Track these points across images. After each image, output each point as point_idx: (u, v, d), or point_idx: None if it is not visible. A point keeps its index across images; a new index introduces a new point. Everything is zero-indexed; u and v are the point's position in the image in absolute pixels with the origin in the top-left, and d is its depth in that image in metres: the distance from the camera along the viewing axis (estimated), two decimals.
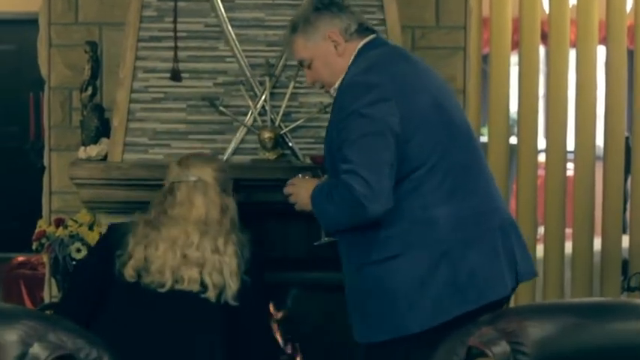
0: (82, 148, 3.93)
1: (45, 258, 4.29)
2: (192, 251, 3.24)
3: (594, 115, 5.00)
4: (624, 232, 5.20)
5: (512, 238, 2.99)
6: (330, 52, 3.05)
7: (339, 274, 3.06)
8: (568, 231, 5.06)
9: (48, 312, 3.57)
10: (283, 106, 3.90)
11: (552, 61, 4.98)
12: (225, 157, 3.85)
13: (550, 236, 4.99)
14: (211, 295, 3.22)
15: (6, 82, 8.20)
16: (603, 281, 4.99)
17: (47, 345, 2.65)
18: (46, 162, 4.37)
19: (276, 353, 3.60)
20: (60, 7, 4.30)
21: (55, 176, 4.34)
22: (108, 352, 2.74)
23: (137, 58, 3.89)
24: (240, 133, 3.89)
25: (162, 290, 3.22)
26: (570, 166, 5.04)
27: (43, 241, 4.09)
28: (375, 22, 3.90)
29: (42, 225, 4.18)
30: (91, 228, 4.02)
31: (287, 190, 3.12)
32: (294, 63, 3.38)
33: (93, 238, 3.96)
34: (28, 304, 5.49)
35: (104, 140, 3.93)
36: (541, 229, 5.16)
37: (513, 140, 5.35)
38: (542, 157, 5.20)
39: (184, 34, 3.92)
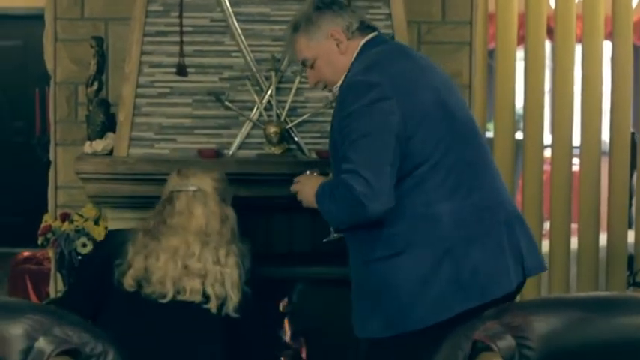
0: (88, 142, 3.93)
1: (51, 253, 4.31)
2: (194, 262, 3.22)
3: (600, 110, 5.00)
4: (630, 227, 5.20)
5: (518, 231, 2.98)
6: (333, 51, 3.04)
7: (345, 268, 3.06)
8: (574, 226, 5.06)
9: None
10: (289, 100, 3.90)
11: (558, 56, 4.98)
12: (230, 152, 3.85)
13: (556, 231, 4.99)
14: (213, 306, 3.21)
15: (12, 77, 8.20)
16: (609, 276, 4.99)
17: (53, 339, 2.66)
18: (52, 157, 4.37)
19: None
20: (66, 3, 4.31)
21: (60, 171, 4.34)
22: (113, 347, 2.74)
23: (143, 52, 3.89)
24: (246, 128, 3.89)
25: (164, 301, 3.20)
26: (576, 161, 5.03)
27: (49, 235, 4.10)
28: (381, 17, 3.90)
29: (48, 220, 4.19)
30: (96, 223, 4.03)
31: (293, 188, 3.12)
32: None
33: (98, 232, 3.98)
34: (34, 298, 5.49)
35: (110, 135, 3.93)
36: (547, 225, 5.16)
37: (519, 136, 5.34)
38: (547, 153, 5.20)
39: (190, 29, 3.92)
